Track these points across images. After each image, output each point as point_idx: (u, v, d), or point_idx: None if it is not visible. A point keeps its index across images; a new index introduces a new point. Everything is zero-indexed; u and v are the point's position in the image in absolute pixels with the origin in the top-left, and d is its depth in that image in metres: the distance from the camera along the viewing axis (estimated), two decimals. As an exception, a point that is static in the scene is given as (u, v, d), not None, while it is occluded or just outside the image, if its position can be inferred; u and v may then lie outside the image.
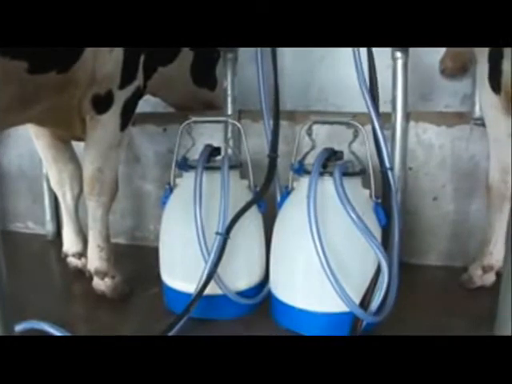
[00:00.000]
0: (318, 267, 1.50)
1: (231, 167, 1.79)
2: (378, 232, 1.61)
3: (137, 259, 2.40)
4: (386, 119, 2.14)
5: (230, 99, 2.37)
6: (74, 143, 2.23)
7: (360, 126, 1.64)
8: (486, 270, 2.00)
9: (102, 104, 1.84)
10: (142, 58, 1.91)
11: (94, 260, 1.99)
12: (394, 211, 1.64)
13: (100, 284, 1.98)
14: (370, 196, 1.65)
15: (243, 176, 1.92)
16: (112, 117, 1.87)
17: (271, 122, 1.96)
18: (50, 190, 2.50)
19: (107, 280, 1.98)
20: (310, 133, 1.73)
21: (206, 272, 1.67)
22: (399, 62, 2.10)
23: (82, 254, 2.24)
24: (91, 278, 2.01)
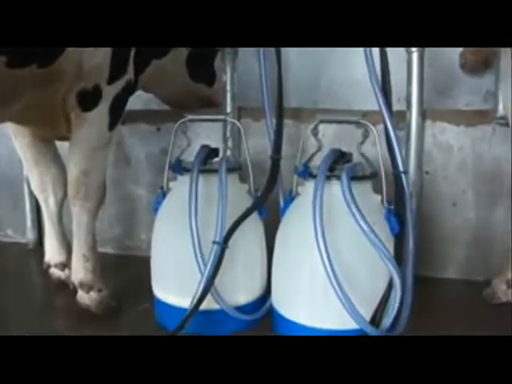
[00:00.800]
0: (325, 280, 1.50)
1: (230, 170, 1.80)
2: (390, 242, 1.61)
3: (126, 271, 2.41)
4: (400, 118, 2.14)
5: (229, 95, 2.38)
6: (58, 143, 2.24)
7: (371, 126, 1.65)
8: (511, 284, 2.00)
9: (88, 100, 1.85)
10: (133, 50, 1.92)
11: (79, 271, 2.00)
12: (408, 219, 1.64)
13: (85, 298, 1.99)
14: (382, 202, 1.65)
15: (243, 180, 1.93)
16: (100, 114, 1.88)
17: (274, 121, 1.97)
18: (31, 194, 2.51)
19: (93, 293, 1.98)
20: (316, 132, 1.74)
21: (201, 285, 1.68)
22: (415, 56, 2.11)
23: (66, 265, 2.25)
24: (75, 291, 2.01)
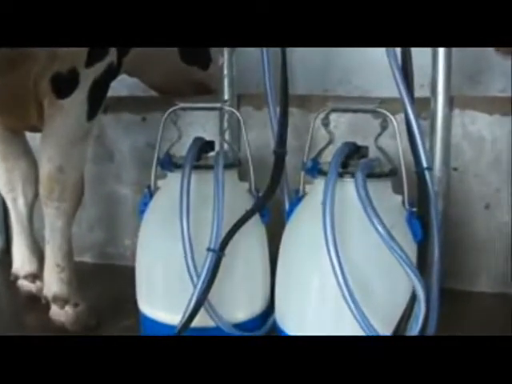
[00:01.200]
0: (336, 294, 1.50)
1: (227, 166, 1.80)
2: (412, 249, 1.60)
3: (107, 282, 2.42)
4: (424, 106, 2.15)
5: (226, 80, 2.38)
6: (29, 135, 2.24)
7: (390, 115, 1.65)
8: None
9: (63, 85, 1.85)
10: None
11: (52, 283, 2.00)
12: (433, 223, 1.64)
13: (59, 314, 1.99)
14: (403, 203, 1.65)
15: (242, 177, 1.93)
16: (77, 102, 1.88)
17: (278, 110, 1.96)
18: (-2, 193, 2.52)
19: (68, 309, 1.99)
20: (326, 123, 1.74)
21: (194, 299, 1.68)
22: (441, 35, 2.11)
23: (37, 276, 2.25)
24: (48, 307, 2.02)
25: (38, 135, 2.02)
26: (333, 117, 1.77)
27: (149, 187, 1.91)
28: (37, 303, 2.13)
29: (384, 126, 1.68)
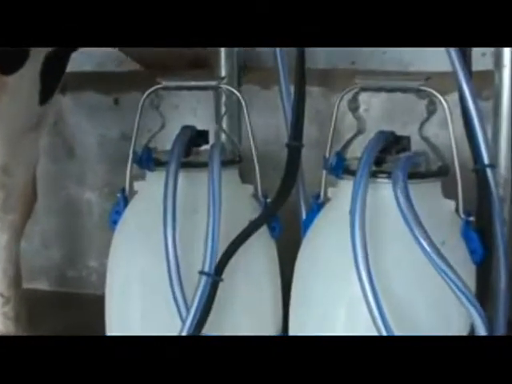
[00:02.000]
0: (368, 327, 1.50)
1: (226, 163, 1.82)
2: (470, 272, 1.61)
3: (67, 315, 2.43)
4: (486, 82, 2.15)
5: (224, 51, 2.39)
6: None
7: (439, 95, 1.65)
8: None
9: (9, 57, 1.85)
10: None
11: (-5, 318, 2.02)
12: (497, 237, 1.64)
13: (5, 357, 2.00)
14: (457, 211, 1.66)
15: (245, 178, 1.95)
16: (26, 79, 1.89)
17: (292, 89, 1.97)
18: None
19: (17, 351, 2.00)
20: (355, 106, 1.75)
21: (183, 335, 1.69)
22: (506, -11, 2.12)
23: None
24: (-9, 348, 2.03)
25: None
26: (363, 97, 1.78)
27: (122, 191, 1.93)
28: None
29: (431, 110, 1.69)
